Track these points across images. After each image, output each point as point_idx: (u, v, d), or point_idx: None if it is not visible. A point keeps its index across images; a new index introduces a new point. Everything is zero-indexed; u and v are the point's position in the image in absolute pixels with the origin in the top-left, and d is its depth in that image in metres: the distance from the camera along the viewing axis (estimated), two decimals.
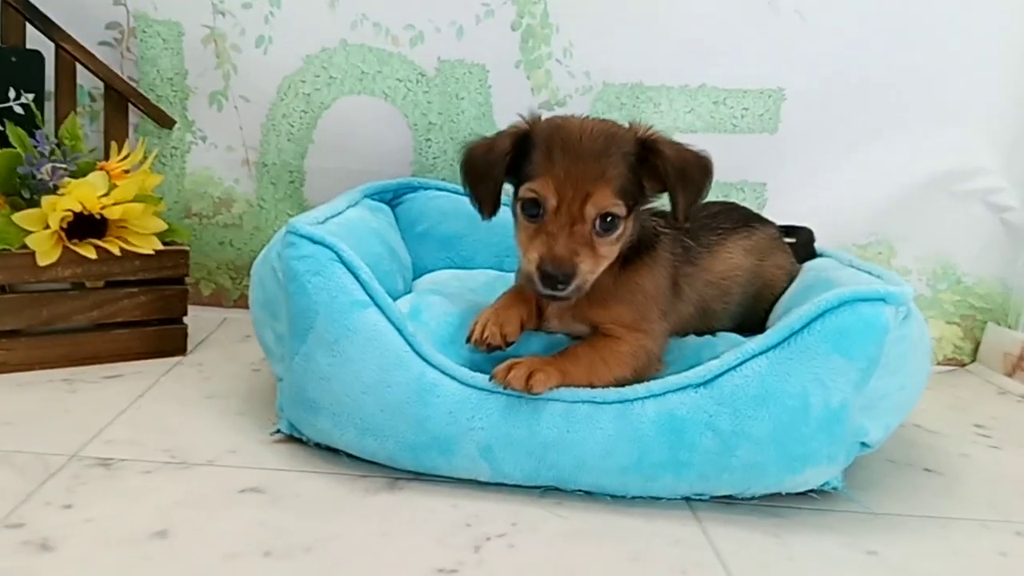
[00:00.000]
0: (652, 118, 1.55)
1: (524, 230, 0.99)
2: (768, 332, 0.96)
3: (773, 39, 1.55)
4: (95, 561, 0.76)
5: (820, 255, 1.34)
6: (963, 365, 1.66)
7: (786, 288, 1.23)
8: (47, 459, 0.94)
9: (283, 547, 0.80)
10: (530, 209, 0.97)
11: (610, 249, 0.99)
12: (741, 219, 1.29)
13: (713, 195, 1.56)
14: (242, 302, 1.63)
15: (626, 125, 1.01)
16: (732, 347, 0.98)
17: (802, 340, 0.93)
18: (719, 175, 1.61)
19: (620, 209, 0.96)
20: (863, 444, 1.00)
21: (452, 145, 1.58)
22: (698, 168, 1.01)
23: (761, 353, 0.94)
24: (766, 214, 1.58)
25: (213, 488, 0.91)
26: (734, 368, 0.93)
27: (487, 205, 1.03)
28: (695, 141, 1.59)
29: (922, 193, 1.59)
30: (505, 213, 1.06)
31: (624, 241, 1.01)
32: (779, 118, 1.57)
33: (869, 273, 1.13)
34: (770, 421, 0.91)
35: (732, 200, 1.45)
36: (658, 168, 0.99)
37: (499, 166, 1.00)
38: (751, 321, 1.22)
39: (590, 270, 0.96)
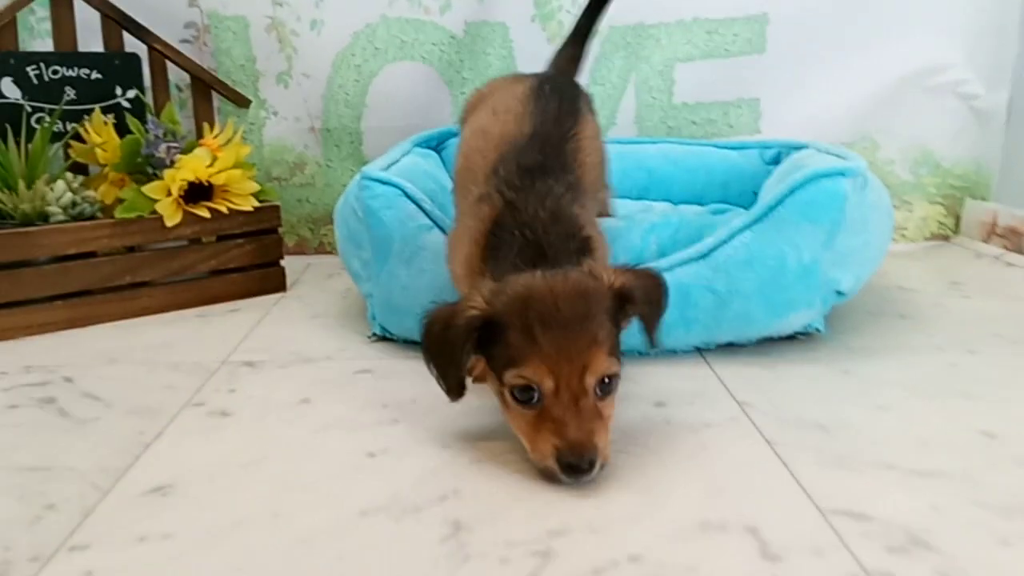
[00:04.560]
0: (654, 52, 1.79)
1: (521, 418, 0.88)
2: (751, 210, 1.21)
3: None
4: (264, 419, 1.04)
5: (805, 147, 1.56)
6: (948, 239, 1.88)
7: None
8: (204, 364, 1.22)
9: (395, 402, 1.08)
10: (523, 395, 0.86)
11: (611, 407, 0.90)
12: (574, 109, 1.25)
13: (713, 115, 1.81)
14: (321, 249, 1.92)
15: (586, 270, 0.91)
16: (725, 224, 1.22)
17: (777, 213, 1.17)
18: (720, 95, 1.84)
19: (616, 367, 0.88)
20: (839, 293, 1.24)
21: None
22: (657, 289, 0.96)
23: (746, 227, 1.18)
24: (762, 125, 1.82)
25: (335, 372, 1.19)
26: (725, 242, 1.18)
27: (452, 389, 0.91)
28: (693, 68, 1.85)
29: (899, 92, 1.81)
30: None
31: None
32: (766, 40, 1.79)
33: (837, 156, 1.36)
34: (756, 279, 1.16)
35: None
36: (631, 309, 0.93)
37: (458, 352, 0.88)
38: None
39: (605, 444, 0.86)
